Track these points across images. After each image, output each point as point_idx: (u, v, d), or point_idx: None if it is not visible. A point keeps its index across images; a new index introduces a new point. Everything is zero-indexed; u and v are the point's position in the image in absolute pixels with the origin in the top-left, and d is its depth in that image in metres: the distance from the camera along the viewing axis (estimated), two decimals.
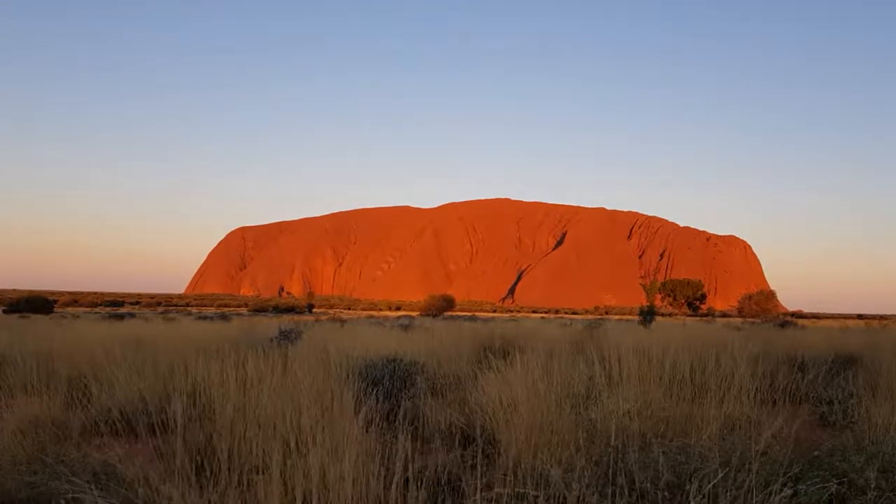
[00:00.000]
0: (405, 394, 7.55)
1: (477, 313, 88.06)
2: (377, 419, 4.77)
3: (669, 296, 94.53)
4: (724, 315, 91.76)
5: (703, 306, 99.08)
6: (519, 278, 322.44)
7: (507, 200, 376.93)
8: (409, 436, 4.00)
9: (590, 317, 71.72)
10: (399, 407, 6.44)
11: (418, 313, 63.81)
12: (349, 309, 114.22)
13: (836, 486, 4.04)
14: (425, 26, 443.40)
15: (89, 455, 4.86)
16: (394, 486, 3.50)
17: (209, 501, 3.50)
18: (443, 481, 4.45)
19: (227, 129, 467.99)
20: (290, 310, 77.77)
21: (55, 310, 55.25)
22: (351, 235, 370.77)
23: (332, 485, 3.47)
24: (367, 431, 4.34)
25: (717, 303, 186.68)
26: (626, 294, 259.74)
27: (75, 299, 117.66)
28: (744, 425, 5.29)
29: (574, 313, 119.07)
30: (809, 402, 7.94)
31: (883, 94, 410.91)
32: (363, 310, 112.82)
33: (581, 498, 3.60)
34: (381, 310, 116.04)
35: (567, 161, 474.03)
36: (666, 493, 3.81)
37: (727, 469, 3.70)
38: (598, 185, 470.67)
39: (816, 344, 12.75)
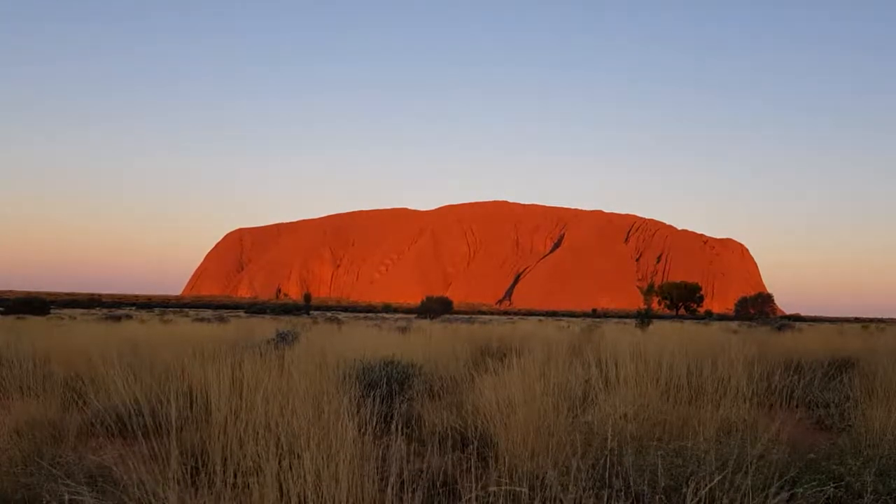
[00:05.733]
0: (402, 396, 7.53)
1: (474, 315, 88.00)
2: (374, 421, 4.76)
3: (666, 298, 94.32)
4: (721, 318, 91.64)
5: (700, 309, 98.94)
6: (516, 280, 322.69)
7: (505, 203, 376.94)
8: (406, 438, 3.99)
9: (587, 319, 71.70)
10: (395, 409, 6.42)
11: (416, 315, 63.69)
12: (347, 311, 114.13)
13: (832, 489, 4.04)
14: (424, 27, 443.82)
15: (85, 457, 4.85)
16: (389, 489, 3.49)
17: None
18: (438, 484, 4.44)
19: (226, 130, 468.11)
20: (288, 311, 77.58)
21: (52, 311, 55.03)
22: (349, 237, 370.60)
23: (327, 487, 3.46)
24: (363, 434, 4.33)
25: (714, 305, 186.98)
26: (624, 296, 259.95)
27: (72, 300, 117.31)
28: (740, 428, 5.29)
29: (571, 315, 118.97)
30: (806, 406, 7.93)
31: (882, 97, 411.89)
32: (361, 312, 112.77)
33: (577, 500, 3.60)
34: (378, 312, 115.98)
35: (565, 163, 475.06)
36: (662, 496, 3.81)
37: (724, 472, 3.69)
38: (595, 188, 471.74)
39: (813, 347, 12.73)
